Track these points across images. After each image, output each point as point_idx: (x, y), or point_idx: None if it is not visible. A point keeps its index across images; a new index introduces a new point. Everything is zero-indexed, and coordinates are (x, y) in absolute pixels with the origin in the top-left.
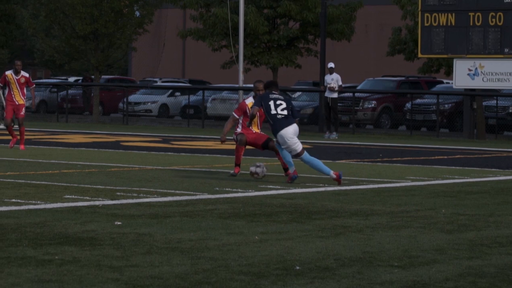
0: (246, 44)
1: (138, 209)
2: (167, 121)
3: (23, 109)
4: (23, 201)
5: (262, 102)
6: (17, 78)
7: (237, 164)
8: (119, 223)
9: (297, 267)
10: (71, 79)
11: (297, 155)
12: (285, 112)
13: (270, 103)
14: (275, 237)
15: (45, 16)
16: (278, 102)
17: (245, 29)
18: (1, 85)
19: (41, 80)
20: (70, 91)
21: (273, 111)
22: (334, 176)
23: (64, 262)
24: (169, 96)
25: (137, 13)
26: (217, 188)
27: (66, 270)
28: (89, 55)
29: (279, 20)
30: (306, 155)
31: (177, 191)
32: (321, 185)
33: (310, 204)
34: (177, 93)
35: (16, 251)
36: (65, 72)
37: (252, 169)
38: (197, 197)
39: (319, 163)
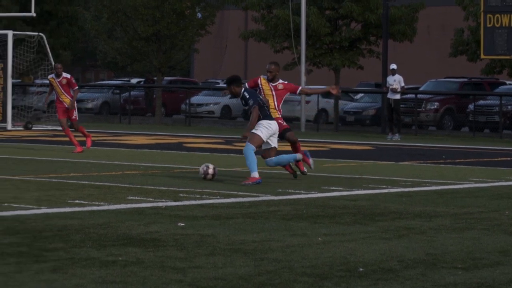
0: (308, 46)
1: (201, 210)
2: (229, 122)
3: (74, 112)
4: (87, 202)
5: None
6: (58, 80)
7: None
8: (182, 224)
9: (361, 269)
10: (134, 81)
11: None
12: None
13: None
14: (338, 238)
15: (107, 18)
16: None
17: (307, 30)
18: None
19: (103, 82)
20: (132, 93)
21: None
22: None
23: (127, 263)
24: (231, 97)
25: (199, 15)
26: (279, 190)
27: (129, 271)
28: (151, 57)
29: (341, 21)
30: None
31: (240, 193)
32: (384, 186)
33: (373, 206)
34: None
35: (80, 252)
36: (128, 73)
37: (204, 169)
38: (260, 198)
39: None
